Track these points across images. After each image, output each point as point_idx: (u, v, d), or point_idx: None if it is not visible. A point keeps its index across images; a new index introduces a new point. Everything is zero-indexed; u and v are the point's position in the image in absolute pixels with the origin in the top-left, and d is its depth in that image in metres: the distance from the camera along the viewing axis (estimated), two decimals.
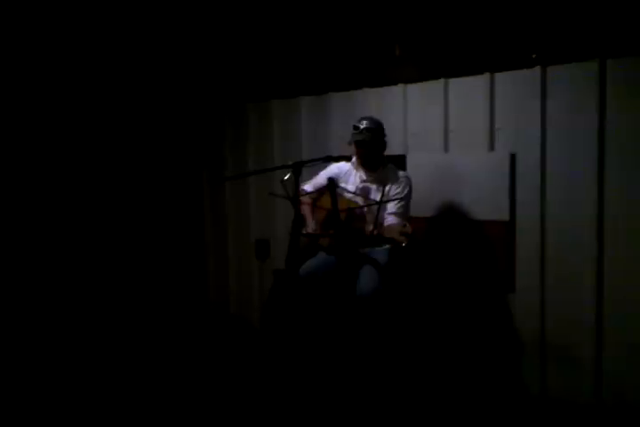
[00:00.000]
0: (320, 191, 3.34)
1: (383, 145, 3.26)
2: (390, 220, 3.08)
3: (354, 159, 3.31)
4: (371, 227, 2.95)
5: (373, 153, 3.21)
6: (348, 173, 3.36)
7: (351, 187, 3.29)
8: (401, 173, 3.28)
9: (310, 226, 3.31)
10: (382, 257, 3.19)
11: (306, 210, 3.36)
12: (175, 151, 5.55)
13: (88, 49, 5.29)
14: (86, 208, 5.57)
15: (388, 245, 3.19)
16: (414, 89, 3.72)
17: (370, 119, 3.20)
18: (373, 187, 3.27)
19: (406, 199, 3.19)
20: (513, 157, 3.29)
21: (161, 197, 5.68)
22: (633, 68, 2.87)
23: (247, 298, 4.97)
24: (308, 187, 3.44)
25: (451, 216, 3.55)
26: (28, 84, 5.12)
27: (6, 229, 5.02)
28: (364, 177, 3.30)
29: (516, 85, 3.27)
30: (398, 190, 3.18)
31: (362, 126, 3.15)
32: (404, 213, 3.13)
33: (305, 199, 3.31)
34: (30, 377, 3.71)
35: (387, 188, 3.12)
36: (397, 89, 3.79)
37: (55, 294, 5.25)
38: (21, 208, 5.12)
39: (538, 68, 3.17)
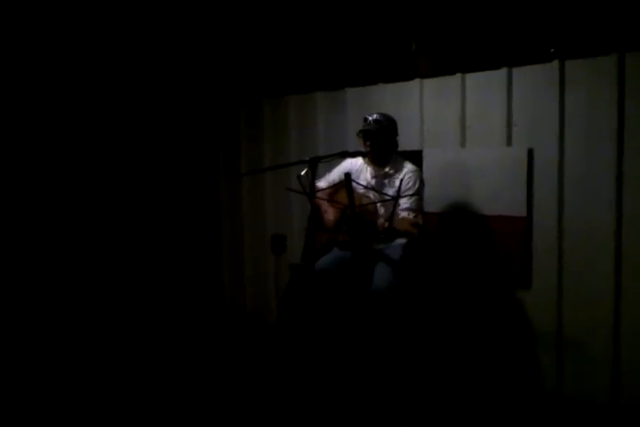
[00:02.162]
0: (334, 187, 3.34)
1: (391, 140, 3.26)
2: (403, 215, 3.08)
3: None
4: (382, 221, 2.95)
5: (378, 146, 3.20)
6: (359, 169, 3.36)
7: (362, 182, 3.30)
8: (410, 166, 3.27)
9: (329, 221, 3.31)
10: (396, 253, 3.19)
11: (324, 205, 3.36)
12: (191, 147, 5.58)
13: (104, 47, 5.33)
14: (103, 205, 5.63)
15: (402, 240, 3.19)
16: (430, 84, 3.71)
17: (381, 114, 3.22)
18: (385, 181, 3.27)
19: (418, 193, 3.19)
20: (530, 153, 3.27)
21: (177, 193, 5.72)
22: None
23: (263, 293, 4.98)
24: (321, 183, 3.44)
25: (467, 212, 3.53)
26: (51, 83, 5.18)
27: (18, 228, 5.08)
28: (375, 173, 3.30)
29: (533, 80, 3.25)
30: (409, 185, 3.17)
31: (370, 118, 3.18)
32: (416, 208, 3.12)
33: (321, 195, 3.32)
34: (38, 375, 3.75)
35: (397, 182, 3.13)
36: (413, 84, 3.77)
37: (70, 292, 5.32)
38: (37, 205, 5.18)
39: (556, 63, 3.14)
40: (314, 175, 2.76)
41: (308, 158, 2.78)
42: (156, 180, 5.79)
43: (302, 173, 2.77)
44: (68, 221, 5.44)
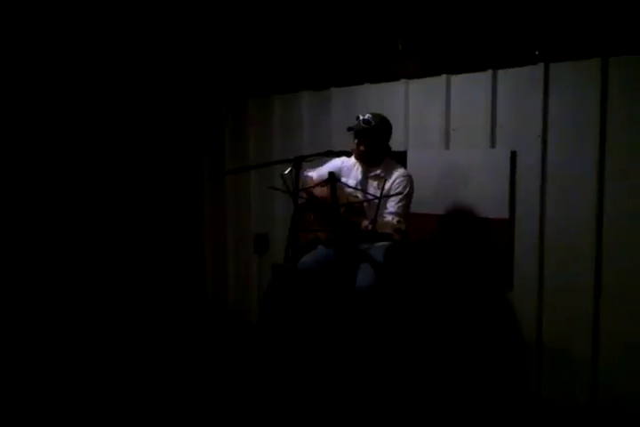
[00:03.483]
0: (322, 183, 3.33)
1: (380, 142, 3.25)
2: (388, 218, 3.07)
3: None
4: (366, 222, 2.94)
5: (365, 146, 3.20)
6: (349, 168, 3.36)
7: (352, 181, 3.29)
8: (402, 171, 3.26)
9: (321, 195, 3.27)
10: (380, 254, 3.19)
11: (316, 191, 3.31)
12: (176, 145, 5.55)
13: (87, 44, 5.29)
14: (84, 203, 5.59)
15: (386, 242, 3.19)
16: (416, 85, 3.71)
17: (375, 114, 3.21)
18: (374, 183, 3.27)
19: (406, 199, 3.17)
20: (514, 155, 3.28)
21: (161, 191, 5.69)
22: (635, 67, 2.86)
23: (246, 292, 4.96)
24: (313, 173, 3.43)
25: (450, 213, 3.54)
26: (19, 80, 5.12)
27: (3, 228, 5.03)
28: (365, 172, 3.30)
29: (518, 82, 3.26)
30: (399, 189, 3.16)
31: (362, 117, 3.17)
32: (403, 213, 3.10)
33: (309, 182, 3.30)
34: (23, 376, 3.71)
35: (387, 184, 3.12)
36: (399, 85, 3.77)
37: (50, 290, 5.26)
38: (8, 202, 5.13)
39: (540, 66, 3.15)
40: (298, 174, 2.75)
41: (292, 157, 2.77)
42: (139, 179, 5.76)
43: (286, 172, 2.76)
44: (46, 221, 5.39)
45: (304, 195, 3.22)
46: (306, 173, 3.38)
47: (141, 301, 5.38)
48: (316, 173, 3.43)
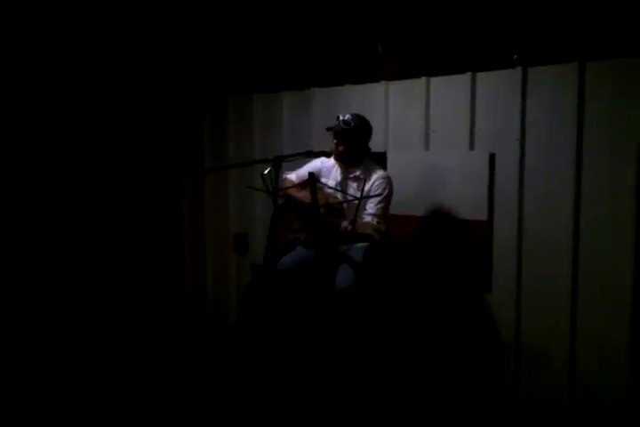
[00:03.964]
0: (302, 184, 3.33)
1: (359, 143, 3.25)
2: (367, 219, 3.07)
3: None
4: (346, 223, 2.95)
5: (344, 146, 3.20)
6: (329, 169, 3.36)
7: (332, 182, 3.30)
8: (382, 172, 3.27)
9: (302, 197, 3.26)
10: (359, 255, 3.19)
11: (292, 190, 3.31)
12: (154, 144, 5.51)
13: (69, 45, 5.23)
14: (60, 202, 5.52)
15: (365, 244, 3.19)
16: (396, 86, 3.72)
17: (355, 115, 3.21)
18: (353, 184, 3.28)
19: (386, 201, 3.18)
20: (492, 157, 3.31)
21: (139, 190, 5.64)
22: (611, 71, 2.90)
23: (224, 292, 4.94)
24: (292, 176, 3.43)
25: (429, 215, 3.56)
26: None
27: None
28: (345, 173, 3.30)
29: (497, 85, 3.28)
30: (378, 191, 3.16)
31: (341, 118, 3.17)
32: (382, 215, 3.11)
33: (288, 184, 3.30)
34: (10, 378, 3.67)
35: (366, 186, 3.12)
36: (379, 86, 3.79)
37: (33, 293, 5.20)
38: None
39: (519, 69, 3.18)
40: (277, 174, 2.74)
41: (271, 157, 2.77)
42: (116, 178, 5.70)
43: (266, 172, 2.75)
44: (28, 219, 5.32)
45: (283, 196, 3.22)
46: (285, 176, 3.38)
47: (119, 302, 5.33)
48: (295, 175, 3.43)
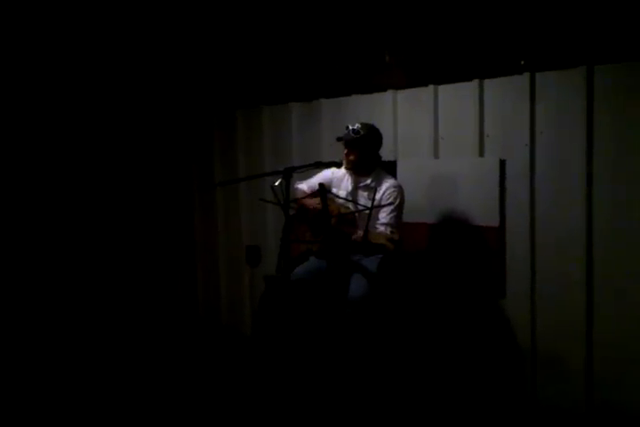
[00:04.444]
0: (313, 194, 3.34)
1: (369, 152, 3.25)
2: (381, 229, 3.08)
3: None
4: (359, 233, 2.95)
5: (354, 155, 3.21)
6: (340, 179, 3.37)
7: (342, 192, 3.30)
8: (393, 181, 3.27)
9: (313, 206, 3.26)
10: (372, 264, 3.19)
11: (306, 201, 3.32)
12: (165, 158, 5.54)
13: (77, 53, 5.29)
14: (75, 215, 5.55)
15: (379, 254, 3.19)
16: (404, 95, 3.74)
17: (364, 124, 3.22)
18: (364, 193, 3.28)
19: (398, 210, 3.18)
20: (502, 163, 3.31)
21: (151, 203, 5.67)
22: (620, 75, 2.89)
23: (238, 304, 4.94)
24: (303, 185, 3.44)
25: (441, 222, 3.55)
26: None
27: None
28: (356, 183, 3.31)
29: (504, 92, 3.29)
30: (390, 200, 3.16)
31: (351, 127, 3.18)
32: (395, 224, 3.12)
33: (299, 194, 3.31)
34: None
35: (377, 195, 3.13)
36: (387, 95, 3.80)
37: (44, 301, 5.22)
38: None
39: (527, 75, 3.19)
40: (288, 186, 2.76)
41: (281, 169, 2.78)
42: (129, 191, 5.73)
43: (276, 184, 2.77)
44: (38, 229, 5.36)
45: (295, 206, 3.23)
46: (296, 186, 3.39)
47: (133, 314, 5.35)
48: (307, 185, 3.44)
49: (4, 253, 5.13)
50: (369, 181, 3.27)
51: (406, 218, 3.36)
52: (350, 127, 3.18)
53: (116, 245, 5.75)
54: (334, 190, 3.29)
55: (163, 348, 4.45)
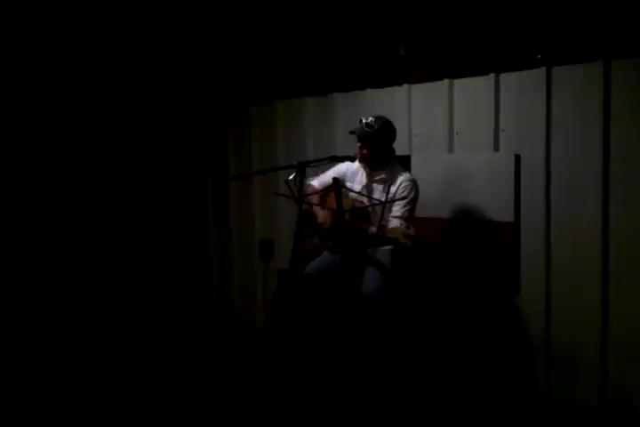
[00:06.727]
0: (326, 189, 3.34)
1: (383, 145, 3.24)
2: (395, 223, 3.07)
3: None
4: (374, 228, 2.94)
5: (368, 149, 3.20)
6: (354, 173, 3.36)
7: (357, 186, 3.30)
8: (407, 175, 3.26)
9: (323, 220, 3.28)
10: (386, 258, 3.19)
11: (316, 209, 3.34)
12: (179, 152, 5.57)
13: (92, 51, 5.33)
14: (88, 209, 5.61)
15: (390, 246, 3.18)
16: (419, 90, 3.72)
17: (378, 117, 3.20)
18: (379, 187, 3.27)
19: (411, 203, 3.18)
20: (518, 158, 3.28)
21: (165, 197, 5.70)
22: (637, 69, 2.86)
23: (251, 299, 4.96)
24: (315, 182, 3.44)
25: (455, 217, 3.54)
26: (37, 88, 5.17)
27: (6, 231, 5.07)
28: (370, 177, 3.30)
29: (520, 86, 3.27)
30: (404, 194, 3.15)
31: (364, 120, 3.17)
32: (409, 218, 3.11)
33: (312, 198, 3.31)
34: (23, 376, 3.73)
35: (391, 189, 3.12)
36: (402, 90, 3.79)
37: (57, 297, 5.27)
38: (18, 208, 5.17)
39: (543, 69, 3.16)
40: (302, 180, 2.75)
41: (296, 163, 2.78)
42: (143, 185, 5.77)
43: (290, 178, 2.77)
44: (52, 224, 5.42)
45: (307, 208, 3.23)
46: (308, 182, 3.39)
47: (146, 308, 5.39)
48: (319, 180, 3.43)
49: (19, 252, 5.19)
50: (383, 175, 3.26)
51: (421, 213, 3.35)
52: (364, 121, 3.17)
53: (130, 240, 5.79)
54: (349, 184, 3.29)
55: (176, 342, 4.47)
